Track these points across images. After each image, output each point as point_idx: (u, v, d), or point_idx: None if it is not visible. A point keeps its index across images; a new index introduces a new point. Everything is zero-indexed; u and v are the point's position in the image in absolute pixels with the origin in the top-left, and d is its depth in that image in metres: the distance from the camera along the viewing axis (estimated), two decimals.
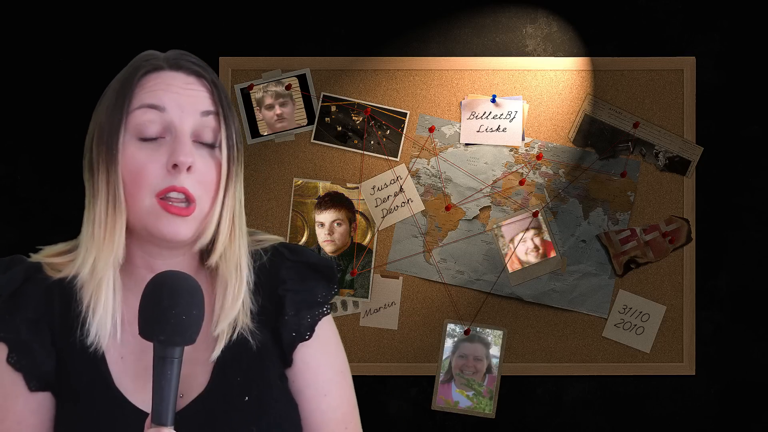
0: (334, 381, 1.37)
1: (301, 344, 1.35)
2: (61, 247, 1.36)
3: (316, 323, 1.36)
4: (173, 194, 1.24)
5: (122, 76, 1.30)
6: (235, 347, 1.31)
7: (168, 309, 1.12)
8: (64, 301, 1.30)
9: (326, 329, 1.38)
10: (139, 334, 1.14)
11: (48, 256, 1.34)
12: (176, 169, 1.24)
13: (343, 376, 1.39)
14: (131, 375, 1.29)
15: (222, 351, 1.30)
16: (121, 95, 1.27)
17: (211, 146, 1.28)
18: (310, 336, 1.35)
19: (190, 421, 1.26)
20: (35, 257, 1.35)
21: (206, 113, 1.27)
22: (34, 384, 1.29)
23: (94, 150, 1.28)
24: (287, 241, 1.35)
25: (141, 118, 1.26)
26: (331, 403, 1.37)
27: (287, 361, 1.35)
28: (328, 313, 1.39)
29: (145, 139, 1.26)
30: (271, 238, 1.41)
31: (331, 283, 1.39)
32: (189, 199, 1.25)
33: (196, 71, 1.29)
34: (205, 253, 1.33)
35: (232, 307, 1.30)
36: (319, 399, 1.36)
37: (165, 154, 1.25)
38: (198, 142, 1.27)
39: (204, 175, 1.26)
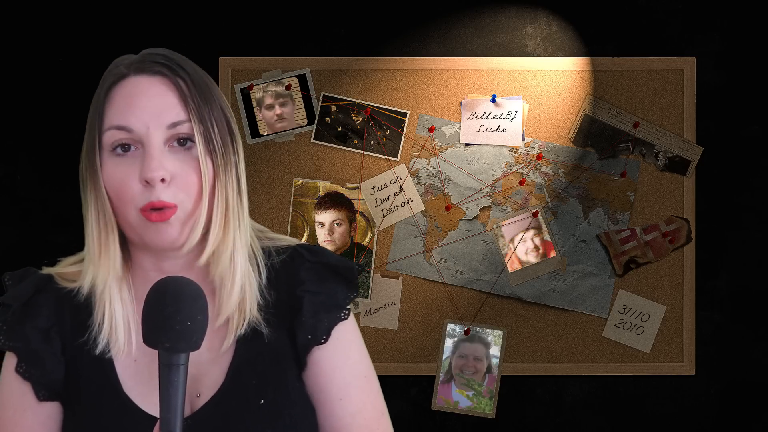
0: (353, 385, 1.32)
1: (315, 347, 1.31)
2: (76, 257, 1.35)
3: (333, 326, 1.32)
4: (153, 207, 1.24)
5: (98, 89, 1.30)
6: (251, 348, 1.29)
7: (172, 315, 1.10)
8: (75, 311, 1.30)
9: (346, 333, 1.34)
10: (144, 342, 1.12)
11: (63, 266, 1.34)
12: (149, 184, 1.23)
13: (366, 381, 1.34)
14: (145, 377, 1.28)
15: (238, 350, 1.29)
16: (94, 112, 1.27)
17: (188, 147, 1.26)
18: (326, 340, 1.31)
19: (205, 424, 1.25)
20: (49, 270, 1.34)
21: (173, 125, 1.25)
22: (43, 394, 1.29)
23: (82, 163, 1.29)
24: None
25: (112, 138, 1.25)
26: (348, 408, 1.31)
27: (301, 364, 1.32)
28: (346, 317, 1.34)
29: (120, 154, 1.25)
30: (287, 239, 1.38)
31: (350, 285, 1.35)
32: (167, 206, 1.23)
33: (159, 71, 1.27)
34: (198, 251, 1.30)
35: (228, 300, 1.27)
36: (333, 404, 1.31)
37: (139, 168, 1.24)
38: (174, 145, 1.26)
39: (184, 179, 1.25)
